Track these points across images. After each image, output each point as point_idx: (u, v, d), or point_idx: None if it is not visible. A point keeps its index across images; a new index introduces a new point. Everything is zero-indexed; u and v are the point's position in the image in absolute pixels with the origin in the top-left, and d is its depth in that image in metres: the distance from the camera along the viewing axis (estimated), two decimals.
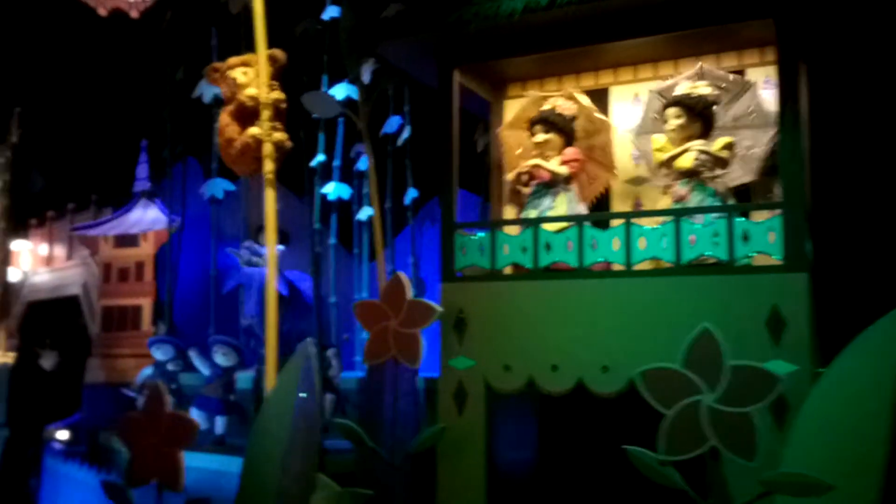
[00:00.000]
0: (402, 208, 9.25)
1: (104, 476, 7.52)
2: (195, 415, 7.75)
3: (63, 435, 10.56)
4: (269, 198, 5.00)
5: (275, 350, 4.84)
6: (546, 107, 4.98)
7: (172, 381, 8.54)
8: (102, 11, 12.37)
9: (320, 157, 8.59)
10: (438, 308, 4.68)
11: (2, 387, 8.36)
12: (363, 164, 8.95)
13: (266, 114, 5.02)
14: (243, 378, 7.95)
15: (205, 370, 7.79)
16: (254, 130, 4.98)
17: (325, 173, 8.87)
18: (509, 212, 5.49)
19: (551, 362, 4.58)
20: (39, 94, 13.52)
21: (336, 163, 8.81)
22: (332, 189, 8.75)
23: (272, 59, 5.13)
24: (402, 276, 4.80)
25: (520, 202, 5.31)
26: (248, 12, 9.88)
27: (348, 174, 9.10)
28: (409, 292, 4.76)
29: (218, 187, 9.62)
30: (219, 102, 9.54)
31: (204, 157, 11.00)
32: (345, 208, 9.25)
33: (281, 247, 8.93)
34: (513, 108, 5.56)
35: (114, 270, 11.74)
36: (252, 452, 4.54)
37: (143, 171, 12.04)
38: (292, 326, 9.12)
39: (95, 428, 10.30)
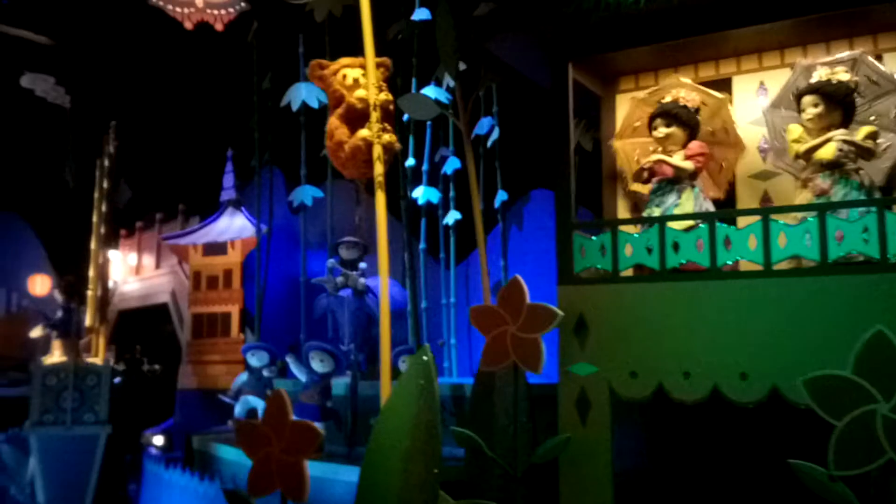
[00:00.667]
0: (489, 211, 9.04)
1: (206, 482, 7.49)
2: None
3: (159, 440, 10.65)
4: (380, 200, 4.83)
5: (388, 358, 4.65)
6: (666, 99, 4.68)
7: (267, 388, 8.50)
8: (188, 25, 12.52)
9: (410, 162, 8.42)
10: (560, 312, 4.43)
11: (103, 386, 8.37)
12: (449, 167, 8.78)
13: (375, 115, 4.85)
14: (337, 384, 7.82)
15: (302, 376, 7.70)
16: (364, 132, 4.82)
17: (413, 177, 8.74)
18: (622, 211, 5.21)
19: (683, 369, 4.27)
20: (128, 105, 13.76)
21: (424, 167, 8.64)
22: (422, 193, 8.58)
23: (383, 66, 4.96)
24: (520, 279, 4.56)
25: (635, 200, 5.04)
26: (332, 20, 9.96)
27: (434, 178, 8.94)
28: (528, 296, 4.52)
29: (307, 194, 9.56)
30: (308, 111, 9.60)
31: (286, 166, 11.00)
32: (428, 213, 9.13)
33: (363, 265, 8.77)
34: (624, 104, 5.27)
35: (203, 278, 11.82)
36: (371, 461, 4.34)
37: (229, 180, 12.12)
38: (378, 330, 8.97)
39: (188, 433, 10.38)
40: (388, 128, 4.84)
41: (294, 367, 7.73)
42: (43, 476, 8.23)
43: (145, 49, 13.02)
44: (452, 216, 8.92)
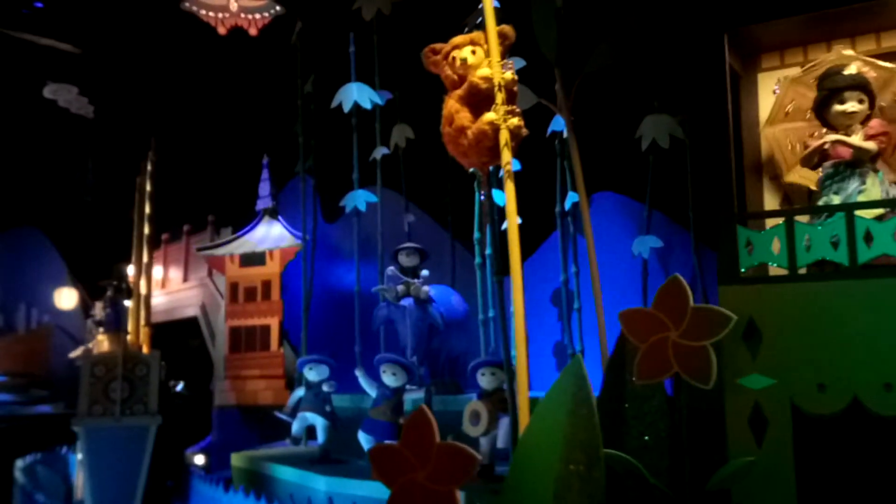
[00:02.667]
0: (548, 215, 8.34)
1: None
2: (362, 439, 6.94)
3: (199, 459, 9.86)
4: (510, 192, 4.11)
5: (525, 369, 3.92)
6: (849, 71, 3.99)
7: (326, 403, 7.75)
8: (222, 30, 11.81)
9: None
10: (732, 316, 3.70)
11: (152, 376, 7.67)
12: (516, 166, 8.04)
13: (501, 97, 4.14)
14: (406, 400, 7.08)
15: (372, 391, 6.95)
16: (490, 115, 4.10)
17: None
18: (771, 205, 4.51)
19: (884, 380, 3.56)
20: (153, 114, 13.01)
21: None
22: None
23: (502, 37, 4.25)
24: (681, 278, 3.84)
25: (786, 192, 4.34)
26: (381, 18, 9.27)
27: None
28: (692, 298, 3.79)
29: (360, 199, 8.81)
30: (360, 112, 8.88)
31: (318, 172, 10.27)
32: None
33: (425, 273, 8.05)
34: (767, 84, 4.59)
35: (241, 290, 11.06)
36: (515, 483, 3.60)
37: (265, 188, 11.39)
38: (441, 344, 8.23)
39: (231, 451, 9.64)
40: (516, 110, 4.13)
41: (364, 382, 6.98)
42: (91, 470, 7.50)
43: (173, 56, 12.30)
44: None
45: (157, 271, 14.54)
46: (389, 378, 6.82)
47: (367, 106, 8.69)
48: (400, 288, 7.83)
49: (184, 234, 13.93)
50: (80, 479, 8.49)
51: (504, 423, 6.15)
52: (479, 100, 4.16)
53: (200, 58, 12.17)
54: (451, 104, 4.24)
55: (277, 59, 10.92)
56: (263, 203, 11.29)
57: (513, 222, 4.07)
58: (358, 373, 6.96)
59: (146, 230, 8.71)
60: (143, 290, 8.52)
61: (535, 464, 3.57)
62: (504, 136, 4.11)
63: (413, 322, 7.82)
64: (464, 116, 4.15)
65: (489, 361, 6.53)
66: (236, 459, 8.27)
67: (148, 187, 8.69)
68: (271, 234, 10.97)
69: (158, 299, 14.20)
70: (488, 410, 6.23)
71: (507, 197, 4.09)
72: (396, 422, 6.80)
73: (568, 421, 3.51)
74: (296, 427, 7.73)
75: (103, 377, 7.59)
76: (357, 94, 8.66)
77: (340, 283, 11.87)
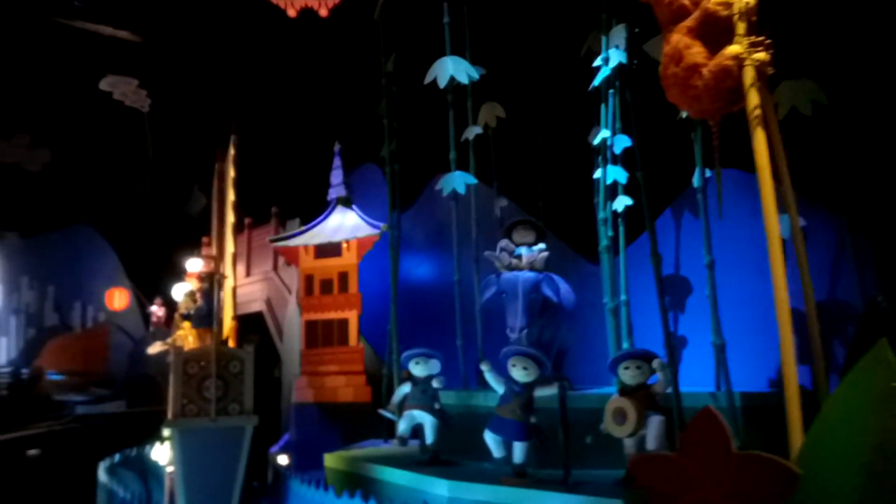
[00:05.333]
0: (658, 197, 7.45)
1: None
2: (489, 440, 6.08)
3: (283, 459, 9.05)
4: (759, 142, 3.23)
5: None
6: None
7: (435, 400, 6.90)
8: (292, 12, 10.95)
9: (604, 133, 6.83)
10: (798, 471, 2.75)
11: (246, 374, 6.92)
12: (618, 145, 7.15)
13: (742, 26, 3.26)
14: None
15: (499, 388, 6.08)
16: (734, 48, 3.23)
17: None
18: None
19: None
20: (217, 104, 12.22)
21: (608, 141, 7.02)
22: (607, 173, 6.99)
23: None
24: (714, 412, 2.88)
25: None
26: None
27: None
28: (732, 440, 2.79)
29: (458, 181, 7.95)
30: (456, 88, 8.03)
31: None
32: None
33: (541, 245, 7.19)
34: None
35: (316, 282, 10.22)
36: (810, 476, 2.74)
37: (337, 176, 10.56)
38: (553, 335, 7.36)
39: (317, 451, 8.85)
40: (765, 42, 3.25)
41: (490, 377, 6.10)
42: (185, 472, 6.74)
43: (238, 41, 11.50)
44: (622, 202, 7.27)
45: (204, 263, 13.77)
46: (519, 373, 5.96)
47: (464, 81, 7.85)
48: (513, 261, 6.98)
49: (246, 226, 13.19)
50: (167, 481, 7.72)
51: (654, 421, 5.29)
52: (716, 31, 3.28)
53: (263, 43, 11.36)
54: (678, 39, 3.37)
55: (348, 39, 10.10)
56: (336, 192, 10.48)
57: (766, 179, 3.18)
58: (483, 367, 6.09)
59: (231, 218, 7.87)
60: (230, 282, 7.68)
61: (835, 456, 2.75)
62: (749, 75, 3.23)
63: (525, 293, 6.94)
64: (697, 52, 3.28)
65: (634, 353, 5.67)
66: (331, 460, 7.45)
67: (231, 173, 7.86)
68: (346, 224, 10.16)
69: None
70: (636, 408, 5.36)
71: (756, 149, 3.21)
72: (527, 421, 5.93)
73: (875, 409, 2.70)
74: (402, 426, 6.90)
75: (196, 375, 6.79)
76: (453, 68, 7.81)
77: (412, 274, 11.06)
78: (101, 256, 16.55)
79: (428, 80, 7.89)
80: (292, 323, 11.54)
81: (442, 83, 7.80)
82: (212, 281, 7.18)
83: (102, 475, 7.77)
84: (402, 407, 6.94)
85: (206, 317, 7.22)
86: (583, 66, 7.69)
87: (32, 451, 10.08)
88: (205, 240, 14.72)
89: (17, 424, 10.80)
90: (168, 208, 15.18)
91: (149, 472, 8.95)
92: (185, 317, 7.74)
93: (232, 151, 7.88)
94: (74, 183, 15.53)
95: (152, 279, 14.12)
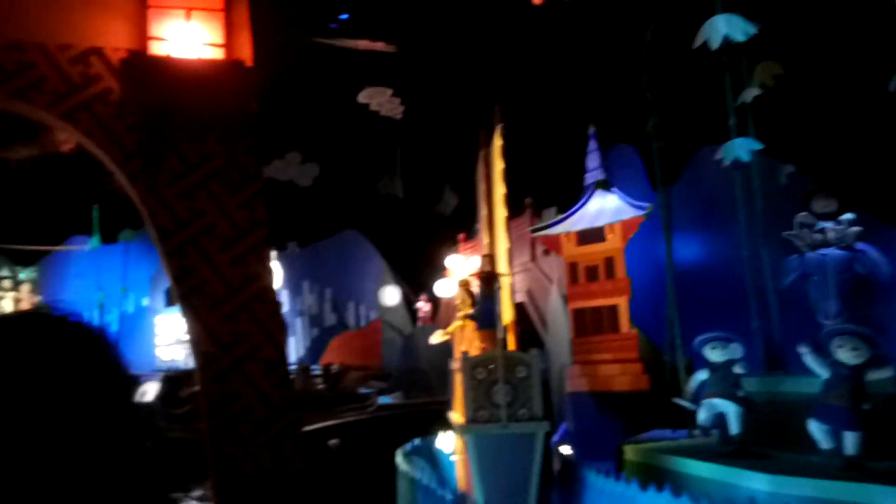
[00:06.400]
0: None
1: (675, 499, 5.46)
2: (814, 429, 5.40)
3: (566, 450, 8.89)
4: None
5: None
6: None
7: (737, 388, 6.31)
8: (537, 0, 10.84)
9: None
10: None
11: (533, 378, 6.82)
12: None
13: None
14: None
15: (823, 372, 5.38)
16: None
17: None
18: None
19: None
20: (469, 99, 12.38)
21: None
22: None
23: None
24: None
25: None
26: None
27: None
28: None
29: (741, 148, 7.24)
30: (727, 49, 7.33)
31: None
32: None
33: (848, 216, 6.29)
34: None
35: (581, 269, 9.94)
36: None
37: (594, 159, 10.17)
38: (870, 310, 6.42)
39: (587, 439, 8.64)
40: None
41: (811, 361, 5.43)
42: (481, 474, 6.81)
43: (486, 38, 11.58)
44: None
45: (474, 261, 14.06)
46: (847, 354, 5.24)
47: (741, 38, 7.11)
48: (817, 236, 6.18)
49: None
50: (458, 471, 7.89)
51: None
52: None
53: (513, 32, 11.30)
54: None
55: (598, 18, 9.70)
56: (594, 176, 10.10)
57: None
58: (803, 349, 5.42)
59: (503, 213, 7.82)
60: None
61: None
62: None
63: (837, 272, 6.10)
64: None
65: None
66: (631, 452, 7.15)
67: (499, 164, 7.80)
68: (607, 208, 9.74)
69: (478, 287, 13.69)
70: None
71: None
72: (859, 408, 5.18)
73: None
74: (703, 415, 6.41)
75: (484, 380, 6.83)
76: (726, 27, 7.12)
77: (681, 255, 10.41)
78: (369, 259, 17.68)
79: (697, 43, 7.27)
80: (555, 312, 11.39)
81: (715, 44, 7.14)
82: (491, 281, 7.18)
83: (401, 463, 8.12)
84: (699, 395, 6.46)
85: (487, 318, 7.24)
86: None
87: (333, 441, 10.90)
88: (460, 236, 15.10)
89: (330, 415, 11.83)
90: (421, 209, 15.83)
91: (436, 460, 9.24)
92: (471, 317, 7.81)
93: (499, 142, 7.82)
94: (340, 192, 16.71)
95: (415, 277, 14.79)
